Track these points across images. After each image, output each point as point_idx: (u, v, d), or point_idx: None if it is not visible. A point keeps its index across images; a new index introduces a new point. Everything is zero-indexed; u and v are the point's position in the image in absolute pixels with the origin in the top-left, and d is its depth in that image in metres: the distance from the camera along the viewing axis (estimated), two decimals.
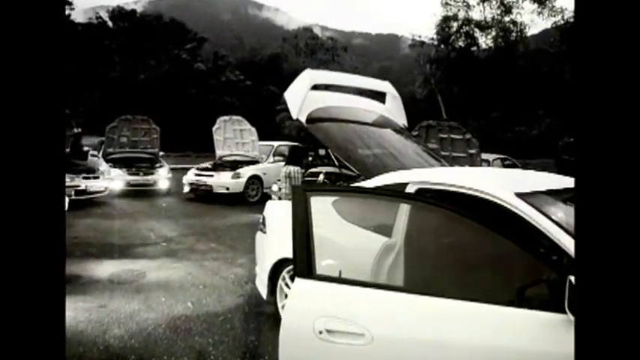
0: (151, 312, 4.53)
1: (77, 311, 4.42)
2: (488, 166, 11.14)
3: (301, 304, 2.30)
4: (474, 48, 20.97)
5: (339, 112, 5.03)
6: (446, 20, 20.77)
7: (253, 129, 12.63)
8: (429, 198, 3.04)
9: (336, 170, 10.89)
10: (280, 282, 4.27)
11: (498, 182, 3.06)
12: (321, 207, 3.99)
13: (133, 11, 38.68)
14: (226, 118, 13.02)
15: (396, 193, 3.06)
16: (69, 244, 7.05)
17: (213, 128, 13.25)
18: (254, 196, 12.15)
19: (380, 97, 5.98)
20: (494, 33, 20.70)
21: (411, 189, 3.24)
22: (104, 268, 5.92)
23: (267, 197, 12.01)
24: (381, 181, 3.53)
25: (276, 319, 4.31)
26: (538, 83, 21.79)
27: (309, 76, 4.73)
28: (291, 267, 4.13)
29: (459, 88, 22.22)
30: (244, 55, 46.81)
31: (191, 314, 4.53)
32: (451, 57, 20.68)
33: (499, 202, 2.62)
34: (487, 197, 2.72)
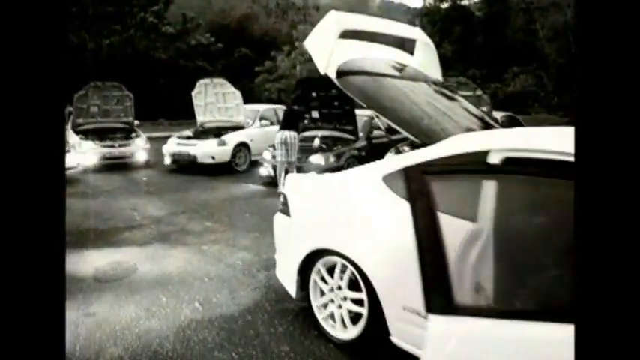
0: (152, 319, 3.66)
1: None
2: (499, 124, 10.31)
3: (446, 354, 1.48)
4: (466, 1, 19.99)
5: (372, 64, 4.10)
6: None
7: (237, 92, 11.55)
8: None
9: (333, 134, 10.02)
10: (314, 276, 3.45)
11: None
12: (370, 185, 3.14)
13: None
14: (207, 80, 11.86)
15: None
16: None
17: (193, 92, 12.10)
18: (241, 165, 11.20)
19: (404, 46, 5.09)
20: None
21: (494, 159, 2.41)
22: (87, 262, 4.99)
23: (255, 165, 11.11)
24: (449, 148, 2.68)
25: (308, 321, 3.51)
26: (525, 40, 21.04)
27: (336, 20, 3.77)
28: (328, 258, 3.32)
29: (449, 44, 21.24)
30: (213, 18, 44.61)
31: (202, 318, 3.68)
32: (442, 11, 19.61)
33: None
34: None
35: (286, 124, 8.41)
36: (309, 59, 25.24)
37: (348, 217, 3.20)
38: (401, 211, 2.61)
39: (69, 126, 12.27)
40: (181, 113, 30.04)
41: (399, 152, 8.78)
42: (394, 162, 3.09)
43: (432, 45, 4.72)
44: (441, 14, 19.70)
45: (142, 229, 6.30)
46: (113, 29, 32.20)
